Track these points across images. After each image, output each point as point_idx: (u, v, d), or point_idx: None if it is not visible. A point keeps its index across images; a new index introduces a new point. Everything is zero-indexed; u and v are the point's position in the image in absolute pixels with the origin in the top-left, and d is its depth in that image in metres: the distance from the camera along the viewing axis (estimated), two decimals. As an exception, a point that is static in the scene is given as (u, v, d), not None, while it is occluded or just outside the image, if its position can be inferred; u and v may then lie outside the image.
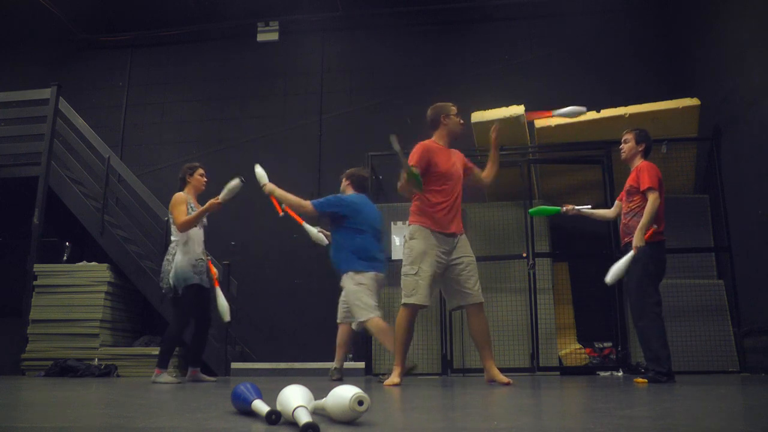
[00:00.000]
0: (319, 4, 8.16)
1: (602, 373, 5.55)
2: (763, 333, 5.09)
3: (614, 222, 6.00)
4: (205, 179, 4.86)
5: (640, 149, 4.27)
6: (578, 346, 6.16)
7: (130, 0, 8.33)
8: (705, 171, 6.34)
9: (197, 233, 4.71)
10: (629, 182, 4.21)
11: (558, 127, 6.21)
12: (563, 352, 6.09)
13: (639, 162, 4.23)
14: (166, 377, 4.40)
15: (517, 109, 6.20)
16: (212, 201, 4.40)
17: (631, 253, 3.97)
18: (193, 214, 4.50)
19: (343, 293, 4.65)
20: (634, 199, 4.13)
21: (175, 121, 8.32)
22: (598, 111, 6.17)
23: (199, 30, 8.56)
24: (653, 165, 4.17)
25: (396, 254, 6.20)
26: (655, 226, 4.03)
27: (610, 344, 6.02)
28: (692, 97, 6.03)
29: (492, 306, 6.05)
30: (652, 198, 3.99)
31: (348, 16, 8.24)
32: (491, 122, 6.20)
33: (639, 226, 3.99)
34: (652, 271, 4.03)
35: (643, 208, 4.02)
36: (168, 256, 4.63)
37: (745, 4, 5.54)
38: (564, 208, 4.51)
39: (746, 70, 5.44)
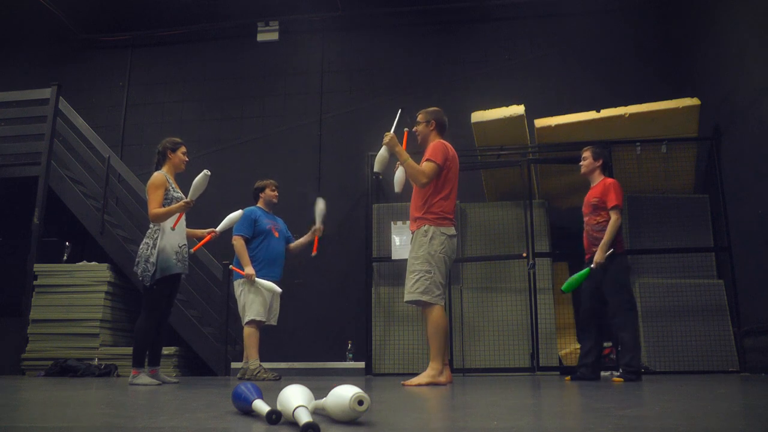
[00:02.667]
0: (319, 4, 8.15)
1: (602, 373, 5.54)
2: (763, 333, 5.10)
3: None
4: (187, 159, 4.47)
5: (597, 164, 4.58)
6: (578, 346, 6.15)
7: (130, 0, 8.33)
8: (705, 171, 6.34)
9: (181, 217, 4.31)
10: (594, 196, 4.46)
11: (558, 127, 6.22)
12: (563, 352, 6.09)
13: (601, 178, 4.54)
14: (145, 378, 4.02)
15: (517, 109, 6.22)
16: (184, 202, 4.07)
17: (587, 269, 4.37)
18: (165, 209, 4.10)
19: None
20: (602, 213, 4.40)
21: (175, 121, 8.32)
22: (598, 111, 6.17)
23: (199, 30, 8.56)
24: (618, 184, 4.47)
25: (396, 255, 6.21)
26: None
27: (610, 344, 6.01)
28: (692, 97, 6.04)
29: (492, 306, 6.06)
30: (615, 217, 4.30)
31: (348, 16, 8.24)
32: (491, 122, 6.24)
33: (601, 244, 4.31)
34: (623, 279, 4.38)
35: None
36: (148, 240, 4.15)
37: (745, 3, 5.54)
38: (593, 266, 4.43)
39: (746, 69, 5.44)
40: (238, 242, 5.12)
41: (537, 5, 7.85)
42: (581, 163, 4.65)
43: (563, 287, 4.51)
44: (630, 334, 4.23)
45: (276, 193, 5.43)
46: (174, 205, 4.11)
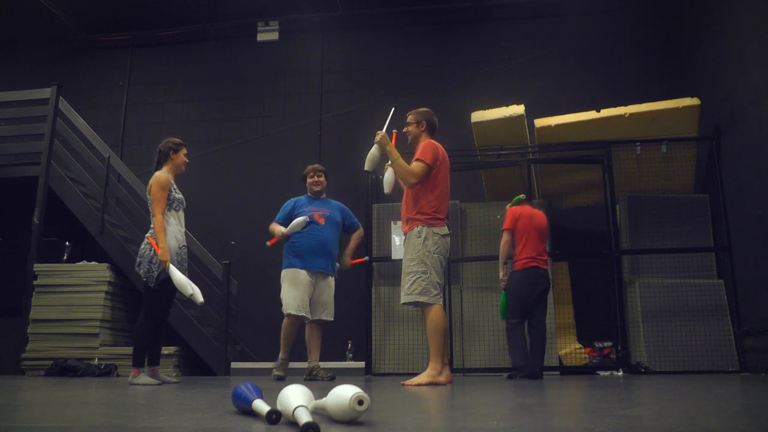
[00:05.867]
0: (319, 4, 8.15)
1: (602, 373, 5.55)
2: (763, 333, 5.10)
3: (614, 222, 6.02)
4: (188, 161, 4.42)
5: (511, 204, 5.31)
6: (578, 345, 6.16)
7: (130, 0, 8.33)
8: (705, 171, 6.34)
9: (180, 217, 4.28)
10: None
11: (558, 126, 6.22)
12: (563, 351, 6.09)
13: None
14: (145, 378, 4.01)
15: (517, 109, 6.22)
16: (164, 259, 4.01)
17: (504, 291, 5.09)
18: (161, 229, 4.05)
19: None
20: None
21: (175, 121, 8.32)
22: (598, 111, 6.18)
23: (199, 30, 8.56)
24: (513, 210, 5.14)
25: (396, 254, 6.20)
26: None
27: (610, 344, 6.02)
28: (692, 96, 6.04)
29: (492, 306, 6.05)
30: (502, 238, 5.04)
31: (348, 16, 8.24)
32: (491, 122, 6.25)
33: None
34: (513, 294, 4.99)
35: (513, 245, 5.05)
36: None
37: (745, 4, 5.54)
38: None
39: (746, 69, 5.44)
40: (271, 225, 4.99)
41: (537, 5, 7.85)
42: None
43: (501, 315, 5.18)
44: (509, 342, 4.93)
45: (316, 179, 5.07)
46: (162, 241, 4.04)
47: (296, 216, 4.92)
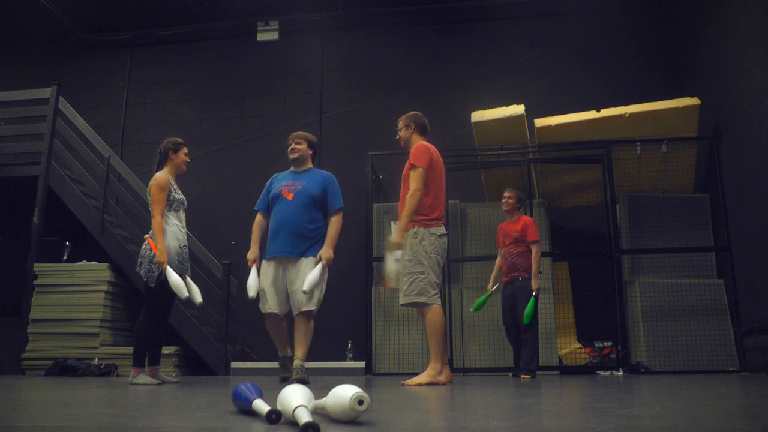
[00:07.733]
0: (319, 4, 8.16)
1: (602, 373, 5.55)
2: (762, 332, 5.10)
3: (614, 222, 6.03)
4: (188, 160, 4.37)
5: (518, 206, 5.37)
6: (578, 345, 6.16)
7: (130, 0, 8.33)
8: (705, 171, 6.34)
9: (181, 217, 4.26)
10: (516, 230, 5.20)
11: (558, 126, 6.22)
12: (563, 351, 6.09)
13: (519, 215, 5.33)
14: (145, 378, 4.00)
15: (517, 109, 6.22)
16: (162, 260, 3.97)
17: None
18: (160, 231, 4.01)
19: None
20: (521, 245, 5.17)
21: (175, 121, 8.32)
22: (598, 111, 6.18)
23: (199, 29, 8.56)
24: (534, 221, 5.31)
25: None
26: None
27: (610, 344, 6.02)
28: (692, 96, 6.04)
29: (492, 306, 6.05)
30: (536, 249, 5.12)
31: (348, 16, 8.24)
32: (491, 122, 6.25)
33: (533, 274, 5.08)
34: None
35: (529, 251, 5.12)
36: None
37: (745, 4, 5.54)
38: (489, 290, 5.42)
39: (746, 69, 5.44)
40: (252, 229, 4.50)
41: (537, 5, 7.85)
42: (505, 202, 5.34)
43: (473, 308, 5.39)
44: (532, 345, 5.02)
45: (293, 145, 4.50)
46: (160, 242, 4.00)
47: (272, 193, 4.42)
